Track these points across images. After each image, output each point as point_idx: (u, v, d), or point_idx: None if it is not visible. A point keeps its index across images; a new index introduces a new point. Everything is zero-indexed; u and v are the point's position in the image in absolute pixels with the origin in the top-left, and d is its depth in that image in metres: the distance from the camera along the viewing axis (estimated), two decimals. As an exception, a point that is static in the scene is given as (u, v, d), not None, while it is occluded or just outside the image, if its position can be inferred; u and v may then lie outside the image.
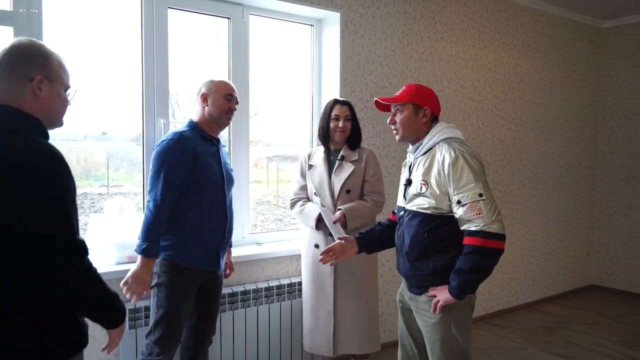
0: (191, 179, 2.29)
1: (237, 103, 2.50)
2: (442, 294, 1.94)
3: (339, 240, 2.26)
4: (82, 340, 1.50)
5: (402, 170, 2.25)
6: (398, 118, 2.07)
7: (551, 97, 5.02)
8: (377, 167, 2.85)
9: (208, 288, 2.49)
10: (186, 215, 2.33)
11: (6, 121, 1.38)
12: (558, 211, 5.18)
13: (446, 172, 1.92)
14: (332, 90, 3.42)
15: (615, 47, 5.40)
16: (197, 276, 2.38)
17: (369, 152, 2.84)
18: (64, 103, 1.53)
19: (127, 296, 2.25)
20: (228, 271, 2.69)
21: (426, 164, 2.01)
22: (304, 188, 2.91)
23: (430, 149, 2.03)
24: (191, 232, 2.34)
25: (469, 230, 1.89)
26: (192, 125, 2.42)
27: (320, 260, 2.24)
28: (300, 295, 3.15)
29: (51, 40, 2.54)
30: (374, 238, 2.29)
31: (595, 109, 5.53)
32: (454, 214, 1.93)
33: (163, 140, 2.33)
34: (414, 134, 2.07)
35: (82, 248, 1.41)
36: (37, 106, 1.44)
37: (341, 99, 2.90)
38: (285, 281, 3.15)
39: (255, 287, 3.03)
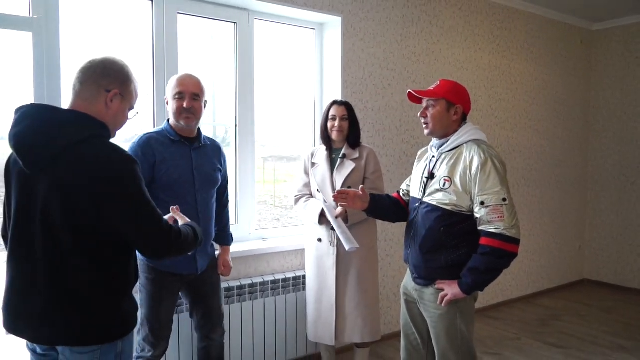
0: (153, 179, 2.31)
1: (194, 98, 2.36)
2: (451, 289, 2.02)
3: (356, 191, 2.30)
4: (136, 319, 1.66)
5: (418, 161, 2.30)
6: (430, 112, 2.11)
7: (544, 97, 5.18)
8: (377, 165, 2.99)
9: (197, 288, 2.53)
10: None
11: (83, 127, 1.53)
12: (551, 208, 5.35)
13: (473, 172, 1.98)
14: (334, 92, 3.57)
15: (605, 48, 5.57)
16: (175, 278, 2.42)
17: (370, 151, 2.98)
18: (124, 120, 1.69)
19: None
20: (223, 269, 2.68)
21: (451, 161, 2.06)
22: (307, 185, 3.05)
23: (457, 147, 2.08)
24: None
25: (489, 232, 1.95)
26: (165, 127, 2.43)
27: (333, 197, 2.33)
28: (304, 288, 3.29)
29: (67, 45, 2.68)
30: (384, 206, 2.36)
31: (586, 109, 5.70)
32: (475, 214, 1.99)
33: (131, 144, 2.38)
34: (443, 130, 2.12)
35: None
36: (105, 115, 1.60)
37: (339, 99, 3.04)
38: (291, 274, 3.30)
39: (262, 280, 3.17)
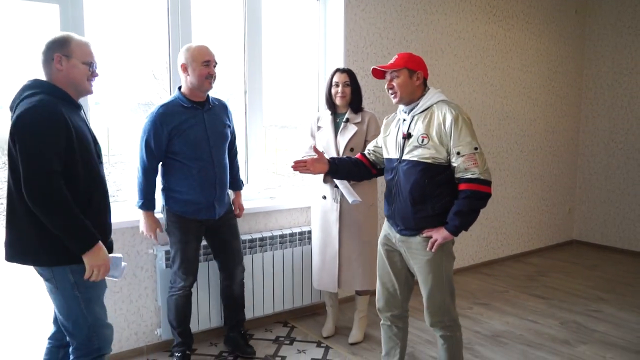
0: (170, 147, 2.69)
1: (215, 65, 2.71)
2: (439, 234, 2.29)
3: (311, 157, 2.52)
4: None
5: (387, 128, 2.53)
6: (395, 82, 2.34)
7: (538, 66, 5.38)
8: (377, 129, 3.23)
9: (217, 231, 2.94)
10: (176, 175, 2.76)
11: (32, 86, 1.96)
12: (542, 172, 5.62)
13: (447, 127, 2.25)
14: (337, 60, 3.79)
15: (599, 18, 5.74)
16: (198, 223, 2.82)
17: (371, 115, 3.23)
18: (84, 74, 2.02)
19: (152, 239, 2.86)
20: (238, 211, 3.12)
21: (426, 120, 2.31)
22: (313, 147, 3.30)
23: (428, 107, 2.34)
24: (181, 189, 2.76)
25: (467, 177, 2.24)
26: (177, 96, 2.75)
27: (292, 167, 2.54)
28: (309, 242, 3.58)
29: (92, 17, 2.89)
30: (345, 167, 2.60)
31: (579, 77, 5.91)
32: (452, 164, 2.27)
33: (149, 114, 2.73)
34: (410, 96, 2.37)
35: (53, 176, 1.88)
36: (60, 77, 1.99)
37: (342, 67, 3.26)
38: (297, 230, 3.59)
39: (270, 234, 3.46)
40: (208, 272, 3.20)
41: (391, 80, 2.38)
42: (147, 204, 2.77)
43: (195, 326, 3.11)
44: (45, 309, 2.95)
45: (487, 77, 4.88)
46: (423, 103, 2.36)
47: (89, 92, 2.09)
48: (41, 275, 1.99)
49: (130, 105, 3.45)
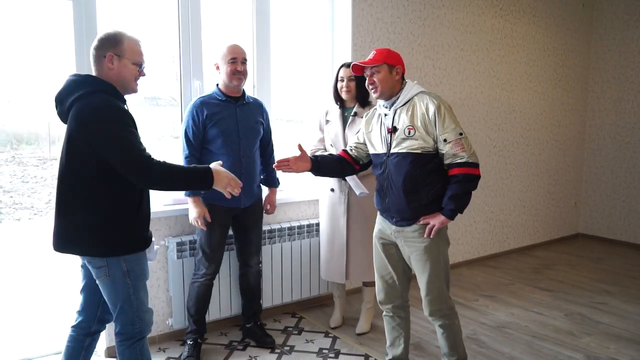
0: (205, 136, 2.87)
1: (244, 62, 2.87)
2: (436, 219, 2.35)
3: (294, 157, 2.52)
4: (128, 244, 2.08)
5: (370, 124, 2.56)
6: (376, 78, 2.38)
7: (545, 59, 5.39)
8: (385, 122, 3.28)
9: (241, 221, 3.05)
10: (208, 162, 2.82)
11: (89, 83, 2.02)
12: (549, 165, 5.64)
13: (431, 117, 2.31)
14: (344, 55, 3.82)
15: (606, 11, 5.74)
16: (224, 211, 2.93)
17: (378, 109, 3.27)
18: (133, 74, 2.08)
19: (199, 225, 2.88)
20: (269, 207, 3.23)
21: (409, 113, 2.36)
22: (321, 140, 3.35)
23: (409, 100, 2.39)
24: None
25: (456, 162, 2.31)
26: (215, 90, 2.95)
27: (275, 166, 2.56)
28: (317, 235, 3.64)
29: (104, 12, 2.94)
30: (327, 164, 2.63)
31: (586, 70, 5.91)
32: (440, 151, 2.34)
33: (189, 106, 2.92)
34: (390, 90, 2.41)
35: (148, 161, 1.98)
36: (111, 75, 2.05)
37: (348, 62, 3.30)
38: (305, 222, 3.64)
39: (279, 227, 3.52)
40: (229, 260, 3.30)
41: (372, 75, 2.42)
42: (191, 195, 2.88)
43: (206, 316, 3.17)
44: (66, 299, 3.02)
45: (493, 70, 4.90)
46: (404, 96, 2.41)
47: (135, 91, 2.16)
48: (90, 263, 2.07)
49: (136, 100, 3.50)
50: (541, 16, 5.25)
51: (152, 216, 2.91)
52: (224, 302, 3.32)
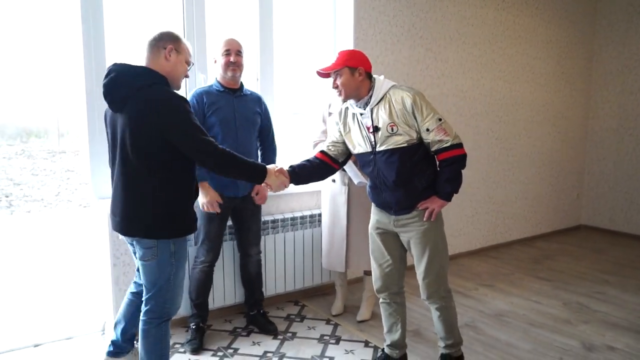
0: (205, 123, 2.94)
1: (238, 54, 2.95)
2: (435, 203, 2.43)
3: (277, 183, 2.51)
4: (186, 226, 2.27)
5: (346, 124, 2.56)
6: (339, 82, 2.42)
7: (548, 52, 5.42)
8: (385, 114, 3.34)
9: (240, 212, 3.15)
10: None
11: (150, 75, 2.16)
12: (551, 157, 5.68)
13: (409, 109, 2.36)
14: (347, 47, 3.87)
15: (610, 3, 5.74)
16: (223, 201, 2.98)
17: (379, 101, 3.33)
18: (183, 71, 2.26)
19: (214, 209, 2.96)
20: (257, 195, 3.13)
21: (386, 109, 2.39)
22: (324, 132, 3.41)
23: (382, 97, 2.42)
24: None
25: (443, 147, 2.37)
26: (213, 83, 3.06)
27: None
28: (319, 225, 3.72)
29: (111, 8, 3.02)
30: (306, 172, 2.62)
31: (589, 62, 5.93)
32: (425, 140, 2.39)
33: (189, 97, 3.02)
34: (355, 92, 2.43)
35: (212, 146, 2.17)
36: (166, 67, 2.19)
37: None
38: (307, 212, 3.72)
39: (282, 217, 3.60)
40: (223, 252, 3.34)
41: (335, 79, 2.46)
42: (201, 174, 2.90)
43: (211, 303, 3.26)
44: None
45: (495, 63, 4.94)
46: (376, 94, 2.43)
47: (179, 88, 2.30)
48: (139, 243, 2.22)
49: None
50: (544, 8, 5.27)
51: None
52: (228, 289, 3.41)
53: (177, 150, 2.13)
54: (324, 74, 2.50)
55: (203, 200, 2.94)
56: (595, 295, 3.94)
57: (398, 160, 2.42)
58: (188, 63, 2.28)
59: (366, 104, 2.45)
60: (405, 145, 2.40)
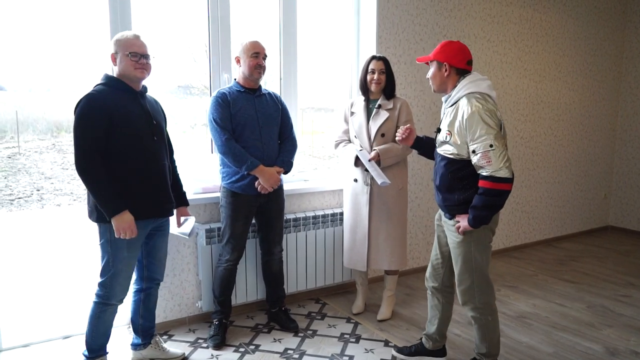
0: (231, 123, 2.99)
1: (265, 58, 3.01)
2: (464, 222, 2.41)
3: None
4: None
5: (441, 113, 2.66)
6: (429, 73, 2.51)
7: (575, 49, 5.31)
8: (409, 115, 3.33)
9: (264, 211, 3.19)
10: None
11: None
12: (578, 157, 5.58)
13: (464, 125, 2.31)
14: (370, 47, 3.88)
15: (642, -1, 5.60)
16: (248, 200, 3.06)
17: (403, 102, 3.32)
18: (133, 64, 2.44)
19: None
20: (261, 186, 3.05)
21: (452, 116, 2.37)
22: (346, 132, 3.43)
23: (456, 102, 2.40)
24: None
25: (482, 175, 2.30)
26: (234, 84, 3.10)
27: (398, 138, 2.72)
28: (340, 224, 3.74)
29: (138, 9, 3.09)
30: (427, 143, 2.73)
31: (619, 59, 5.79)
32: (472, 160, 2.34)
33: (212, 98, 3.06)
34: (442, 87, 2.47)
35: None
36: (119, 70, 2.48)
37: (377, 54, 3.36)
38: (329, 211, 3.75)
39: (304, 215, 3.64)
40: (245, 249, 3.38)
41: (429, 70, 2.51)
42: (254, 162, 2.97)
43: (233, 299, 3.32)
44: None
45: (521, 61, 4.87)
46: (452, 97, 2.43)
47: (139, 78, 2.49)
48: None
49: (169, 88, 3.65)
50: (571, 4, 5.17)
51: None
52: (250, 286, 3.46)
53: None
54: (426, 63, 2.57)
55: (267, 183, 3.02)
56: (621, 299, 3.87)
57: (444, 168, 2.44)
58: (131, 54, 2.44)
59: (446, 102, 2.48)
60: (452, 156, 2.39)
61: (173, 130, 3.15)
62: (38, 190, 10.93)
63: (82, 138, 2.34)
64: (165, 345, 2.92)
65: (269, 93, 3.20)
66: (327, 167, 4.11)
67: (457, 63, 2.42)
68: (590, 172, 5.74)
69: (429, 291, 2.79)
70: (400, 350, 2.94)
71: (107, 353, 2.71)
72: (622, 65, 5.82)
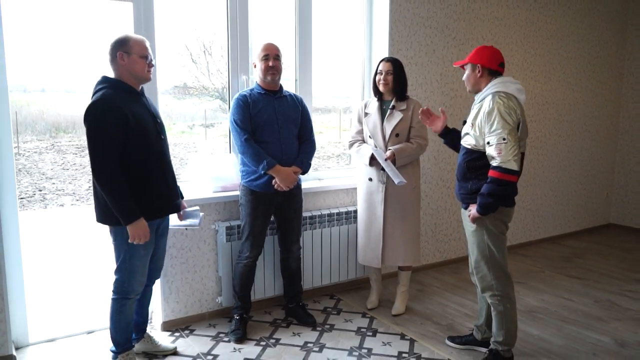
0: (252, 125, 3.07)
1: (276, 58, 3.07)
2: (473, 209, 2.59)
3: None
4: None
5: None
6: (464, 75, 2.69)
7: (579, 51, 5.43)
8: (421, 115, 3.43)
9: (283, 210, 3.26)
10: None
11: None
12: (581, 157, 5.69)
13: (484, 118, 2.50)
14: (382, 49, 3.98)
15: (643, 1, 5.72)
16: (267, 198, 3.14)
17: (416, 103, 3.42)
18: (142, 66, 2.50)
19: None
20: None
21: (477, 111, 2.58)
22: (360, 132, 3.53)
23: (483, 99, 2.58)
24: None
25: (492, 165, 2.49)
26: (254, 86, 3.19)
27: (421, 116, 2.99)
28: (354, 222, 3.83)
29: (162, 13, 3.18)
30: (455, 135, 2.90)
31: (621, 61, 5.91)
32: (486, 151, 2.52)
33: (234, 100, 3.15)
34: (475, 87, 2.65)
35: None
36: (124, 72, 2.49)
37: (387, 57, 3.46)
38: (343, 209, 3.84)
39: (319, 213, 3.73)
40: (264, 247, 3.48)
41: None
42: (271, 161, 3.04)
43: (252, 295, 3.41)
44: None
45: (527, 63, 4.98)
46: (480, 94, 2.62)
47: (148, 79, 2.58)
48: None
49: (165, 87, 3.71)
50: (576, 8, 5.28)
51: (202, 202, 3.26)
52: (268, 283, 3.55)
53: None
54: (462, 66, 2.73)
55: (285, 182, 3.09)
56: (626, 294, 3.98)
57: (462, 157, 2.65)
58: (145, 57, 2.50)
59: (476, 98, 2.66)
60: (469, 147, 2.59)
61: (172, 130, 3.23)
62: (40, 190, 10.98)
63: (101, 145, 2.36)
64: (157, 339, 3.00)
65: (290, 95, 3.27)
66: (327, 167, 4.20)
67: (489, 64, 2.61)
68: (592, 171, 5.86)
69: (476, 285, 2.87)
70: (452, 339, 3.09)
71: (133, 346, 2.80)
72: (623, 67, 5.94)
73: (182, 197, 2.91)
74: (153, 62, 2.58)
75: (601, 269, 4.61)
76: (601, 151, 5.91)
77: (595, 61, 5.62)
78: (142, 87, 2.63)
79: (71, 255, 5.37)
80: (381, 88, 3.37)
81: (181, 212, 2.86)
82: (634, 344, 3.15)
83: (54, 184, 11.58)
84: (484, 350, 2.92)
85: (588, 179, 5.83)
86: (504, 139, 2.43)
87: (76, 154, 15.10)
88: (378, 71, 3.38)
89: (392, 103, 3.39)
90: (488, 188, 2.49)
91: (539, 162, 5.28)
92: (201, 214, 2.88)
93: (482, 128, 2.52)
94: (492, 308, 2.72)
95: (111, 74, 2.53)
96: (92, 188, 2.52)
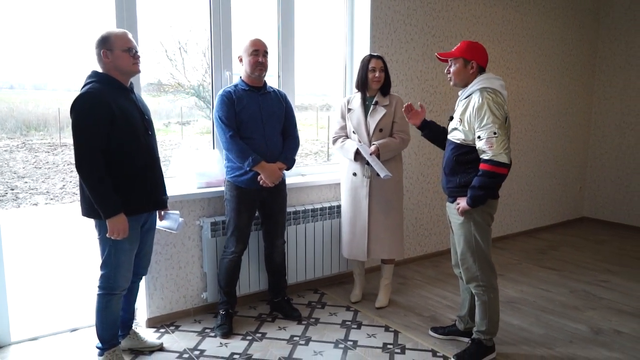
0: (237, 120, 3.08)
1: (265, 55, 3.08)
2: (463, 202, 2.64)
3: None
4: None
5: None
6: (452, 69, 2.69)
7: (553, 49, 5.58)
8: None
9: (268, 204, 3.29)
10: None
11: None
12: (555, 152, 5.85)
13: (474, 113, 2.55)
14: (363, 46, 4.03)
15: (613, 2, 5.90)
16: (251, 193, 3.15)
17: (398, 98, 3.48)
18: (127, 60, 2.48)
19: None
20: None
21: (464, 106, 2.63)
22: (343, 128, 3.56)
23: (470, 94, 2.63)
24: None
25: (483, 158, 2.54)
26: (239, 82, 3.19)
27: (406, 112, 3.04)
28: (337, 217, 3.87)
29: (143, 9, 3.15)
30: (434, 129, 2.99)
31: (593, 59, 6.09)
32: (476, 145, 2.58)
33: (218, 96, 3.15)
34: (463, 82, 2.68)
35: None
36: (110, 67, 2.48)
37: (376, 54, 3.51)
38: (326, 204, 3.88)
39: (303, 208, 3.76)
40: (258, 240, 3.53)
41: (450, 66, 2.71)
42: (256, 158, 3.06)
43: (237, 291, 3.42)
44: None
45: (503, 60, 5.09)
46: (467, 89, 2.66)
47: (136, 71, 2.57)
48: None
49: (141, 86, 3.69)
50: (551, 7, 5.42)
51: (186, 198, 3.26)
52: (253, 278, 3.57)
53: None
54: (443, 59, 2.73)
55: (270, 179, 3.11)
56: (600, 284, 4.12)
57: (450, 152, 2.69)
58: (127, 49, 2.48)
59: (462, 94, 2.69)
60: (458, 142, 2.63)
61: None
62: (12, 189, 10.72)
63: (85, 137, 2.35)
64: (142, 335, 2.99)
65: (274, 91, 3.28)
66: (305, 164, 4.23)
67: (482, 62, 2.67)
68: (566, 166, 6.03)
69: (459, 276, 2.95)
70: (435, 330, 3.16)
71: (120, 343, 2.79)
72: (596, 64, 6.12)
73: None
74: (139, 54, 2.55)
75: (576, 260, 4.75)
76: (574, 146, 6.09)
77: (568, 59, 5.78)
78: (131, 84, 2.61)
79: (51, 253, 5.28)
80: (374, 85, 3.41)
81: (162, 213, 2.86)
82: (608, 331, 3.27)
83: (26, 182, 11.32)
84: (466, 340, 2.99)
85: (562, 173, 5.99)
86: (494, 133, 2.49)
87: (49, 152, 14.78)
88: (370, 68, 3.39)
89: (375, 99, 3.44)
90: (479, 181, 2.54)
91: (515, 158, 5.40)
92: (181, 219, 2.81)
93: (472, 123, 2.56)
94: (476, 298, 2.79)
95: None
96: (77, 186, 2.52)
